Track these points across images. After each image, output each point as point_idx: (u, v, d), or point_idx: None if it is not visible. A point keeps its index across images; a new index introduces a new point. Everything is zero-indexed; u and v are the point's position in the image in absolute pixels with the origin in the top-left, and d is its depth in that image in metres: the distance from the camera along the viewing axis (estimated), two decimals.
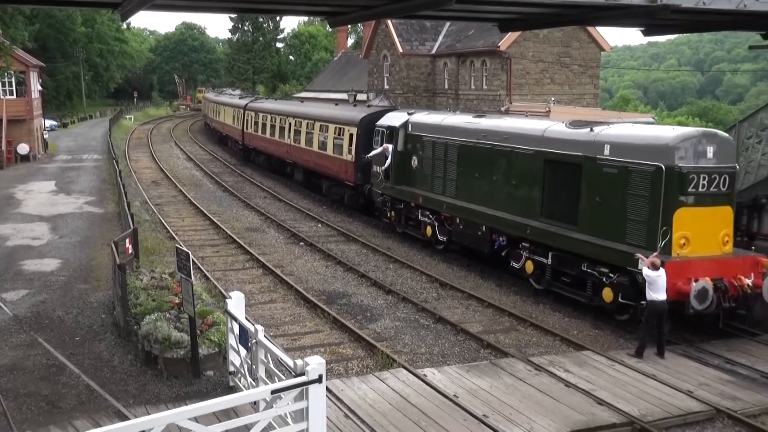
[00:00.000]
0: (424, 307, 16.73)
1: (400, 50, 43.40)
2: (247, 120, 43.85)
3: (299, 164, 34.35)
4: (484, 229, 19.13)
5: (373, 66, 48.05)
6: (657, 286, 13.06)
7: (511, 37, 36.58)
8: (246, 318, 11.32)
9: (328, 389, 10.35)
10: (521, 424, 10.51)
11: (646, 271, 13.12)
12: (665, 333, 13.64)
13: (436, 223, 21.32)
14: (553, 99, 35.95)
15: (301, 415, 8.61)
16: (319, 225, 26.73)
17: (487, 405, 11.15)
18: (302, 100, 44.23)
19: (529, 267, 17.44)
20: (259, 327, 10.27)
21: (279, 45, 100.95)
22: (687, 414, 11.17)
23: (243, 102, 47.22)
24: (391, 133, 23.68)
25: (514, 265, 17.92)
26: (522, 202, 17.85)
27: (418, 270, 20.10)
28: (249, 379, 10.56)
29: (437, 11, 12.75)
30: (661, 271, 13.05)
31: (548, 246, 16.77)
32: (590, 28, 37.79)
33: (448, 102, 42.31)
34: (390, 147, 23.42)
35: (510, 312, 16.51)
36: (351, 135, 27.32)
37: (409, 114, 23.72)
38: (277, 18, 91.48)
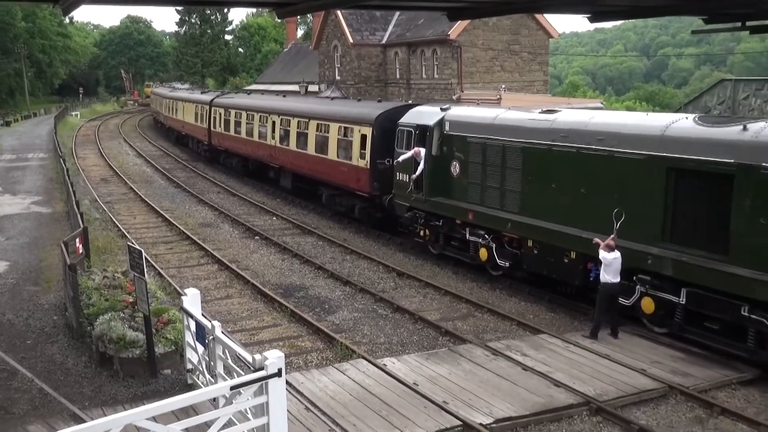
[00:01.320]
0: (382, 297, 16.79)
1: (351, 40, 43.33)
2: (215, 118, 39.21)
3: (287, 169, 29.78)
4: (573, 255, 15.05)
5: (324, 57, 47.86)
6: (612, 268, 13.33)
7: (460, 25, 36.82)
8: (202, 314, 11.21)
9: (288, 383, 10.32)
10: (481, 409, 10.65)
11: (603, 254, 13.38)
12: (616, 313, 13.94)
13: (494, 245, 17.16)
14: (503, 86, 36.34)
15: (262, 410, 8.59)
16: (274, 218, 26.57)
17: (446, 391, 11.25)
18: (284, 94, 39.47)
19: (648, 306, 13.67)
20: (216, 323, 10.19)
21: (228, 37, 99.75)
22: (641, 392, 11.44)
23: (208, 97, 42.28)
24: (422, 133, 19.41)
25: (623, 302, 13.94)
26: (633, 223, 13.74)
27: (375, 260, 20.16)
28: (207, 376, 10.47)
29: (387, 1, 12.73)
30: (616, 253, 13.32)
31: (679, 280, 13.11)
32: (538, 16, 38.26)
33: (400, 92, 42.39)
34: (422, 151, 19.20)
35: (467, 299, 16.68)
36: (364, 136, 22.79)
37: (443, 110, 19.39)
38: (225, 10, 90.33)
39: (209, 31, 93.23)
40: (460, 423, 10.19)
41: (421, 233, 19.86)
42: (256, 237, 23.35)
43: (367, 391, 11.20)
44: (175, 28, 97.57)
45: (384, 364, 12.29)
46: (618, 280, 13.47)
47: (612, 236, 13.64)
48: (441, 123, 18.91)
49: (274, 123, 30.51)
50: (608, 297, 13.60)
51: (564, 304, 16.14)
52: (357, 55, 43.19)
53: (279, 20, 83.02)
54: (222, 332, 10.15)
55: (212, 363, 10.21)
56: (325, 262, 19.98)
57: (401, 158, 20.00)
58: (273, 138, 30.52)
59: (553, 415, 10.69)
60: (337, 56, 45.70)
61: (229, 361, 9.82)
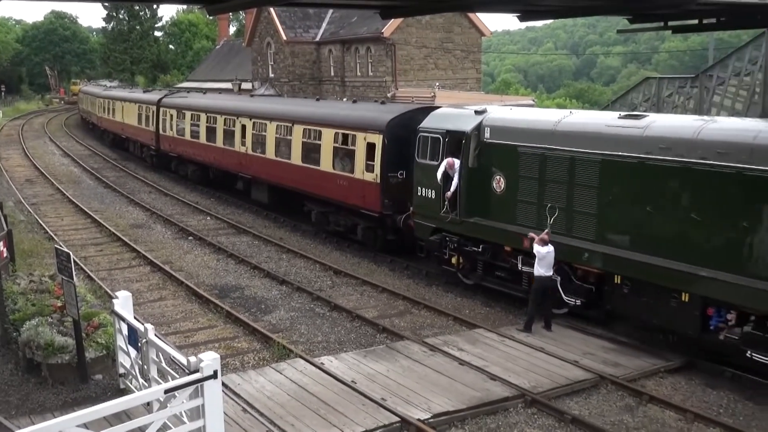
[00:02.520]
0: (319, 295, 16.74)
1: (284, 38, 43.03)
2: (165, 120, 35.05)
3: (262, 180, 26.04)
4: (686, 298, 12.25)
5: (257, 54, 47.41)
6: (545, 262, 13.65)
7: (394, 23, 36.98)
8: (135, 317, 10.99)
9: (224, 384, 10.21)
10: (418, 405, 10.74)
11: (537, 248, 13.67)
12: (551, 307, 14.26)
13: (559, 278, 14.24)
14: (437, 84, 36.68)
15: (198, 413, 8.47)
16: (209, 218, 26.18)
17: (385, 388, 11.31)
18: (251, 93, 36.27)
19: None
20: (149, 326, 9.99)
21: (158, 34, 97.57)
22: (574, 383, 11.74)
23: (154, 96, 38.14)
24: (453, 141, 16.31)
25: (759, 357, 11.29)
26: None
27: (311, 259, 20.07)
28: (141, 380, 10.26)
29: None
30: (550, 247, 13.63)
31: None
32: (471, 14, 38.73)
33: (334, 89, 42.35)
34: (456, 162, 16.19)
35: (404, 295, 16.78)
36: (371, 145, 19.26)
37: (478, 113, 16.21)
38: (155, 6, 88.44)
39: (138, 27, 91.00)
40: (399, 419, 10.26)
41: (452, 260, 16.64)
42: (190, 237, 22.96)
43: (305, 391, 11.16)
44: (103, 24, 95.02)
45: (322, 363, 12.27)
46: (551, 273, 13.78)
47: (546, 231, 13.93)
48: (479, 129, 15.81)
49: (244, 127, 26.68)
50: (541, 290, 13.90)
51: (499, 298, 16.41)
52: (291, 52, 42.92)
53: (210, 17, 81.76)
54: (155, 335, 9.96)
55: (146, 367, 10.01)
56: (260, 262, 19.79)
57: (439, 173, 16.41)
58: (243, 144, 26.66)
59: (489, 408, 10.87)
60: (270, 53, 45.32)
61: (163, 364, 9.64)
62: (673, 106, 21.52)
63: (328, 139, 21.25)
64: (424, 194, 17.17)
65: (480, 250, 15.88)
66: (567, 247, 13.92)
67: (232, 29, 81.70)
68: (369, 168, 19.23)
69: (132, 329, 10.18)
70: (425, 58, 39.00)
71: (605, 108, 24.87)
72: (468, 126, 15.99)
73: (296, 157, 22.97)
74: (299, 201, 23.53)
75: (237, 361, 13.11)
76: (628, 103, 23.18)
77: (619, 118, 13.76)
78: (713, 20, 13.40)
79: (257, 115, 25.98)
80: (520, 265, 15.02)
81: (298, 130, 22.93)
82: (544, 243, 13.66)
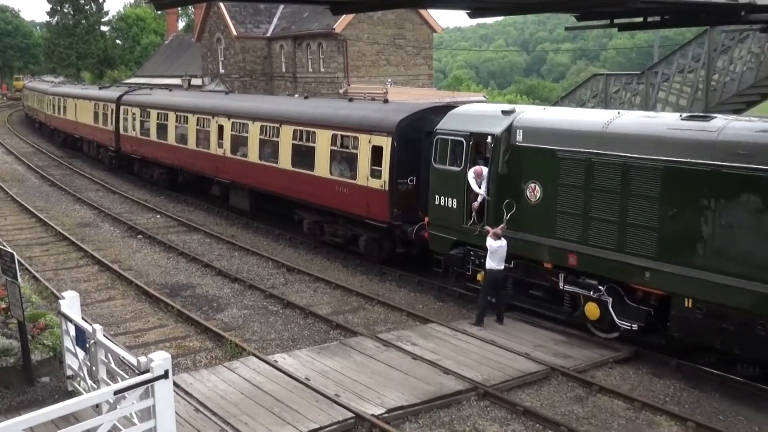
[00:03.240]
0: (272, 293, 16.65)
1: (234, 33, 42.61)
2: (126, 119, 32.64)
3: (242, 185, 24.08)
4: None
5: (207, 50, 46.85)
6: (497, 255, 13.82)
7: (345, 19, 36.93)
8: (82, 318, 10.78)
9: (175, 384, 10.09)
10: (372, 400, 10.78)
11: (489, 242, 13.82)
12: (503, 300, 14.44)
13: (610, 299, 12.94)
14: (389, 80, 36.77)
15: (149, 414, 8.36)
16: (158, 216, 25.79)
17: (338, 385, 11.32)
18: (226, 91, 33.77)
19: None
20: (98, 326, 9.81)
21: (104, 28, 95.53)
22: (525, 375, 11.92)
23: (113, 93, 35.39)
24: (478, 144, 14.93)
25: None
26: None
27: (264, 256, 19.95)
28: (89, 381, 10.07)
29: None
30: (502, 241, 13.80)
31: None
32: (422, 11, 38.91)
33: (286, 85, 42.12)
34: (484, 170, 14.76)
35: (357, 291, 16.80)
36: (377, 149, 17.50)
37: (506, 113, 14.65)
38: (100, 0, 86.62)
39: (84, 21, 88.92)
40: (353, 415, 10.28)
41: (478, 277, 14.93)
42: (139, 236, 22.60)
43: (259, 389, 11.10)
44: (47, 18, 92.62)
45: (275, 361, 12.22)
46: (503, 267, 13.95)
47: (501, 225, 14.10)
48: (510, 131, 14.22)
49: (221, 127, 24.59)
50: (493, 283, 14.07)
51: (452, 293, 16.55)
52: (241, 48, 42.52)
53: (158, 12, 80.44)
54: (104, 335, 9.79)
55: (94, 368, 9.83)
56: (212, 260, 19.59)
57: (471, 181, 14.76)
58: (221, 146, 24.60)
59: (442, 402, 10.97)
60: (220, 49, 44.81)
61: (113, 365, 9.48)
62: (619, 102, 21.95)
63: (323, 141, 19.43)
64: (442, 203, 15.46)
65: (511, 266, 14.25)
66: (620, 265, 12.50)
67: (181, 24, 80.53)
68: (375, 174, 17.54)
69: (80, 330, 9.99)
70: (377, 55, 39.05)
71: (555, 104, 25.21)
72: (497, 128, 14.35)
73: (285, 161, 21.16)
74: (288, 208, 21.79)
75: (189, 361, 12.96)
76: (576, 99, 23.57)
77: (682, 119, 12.34)
78: (657, 18, 13.66)
79: (237, 115, 23.97)
80: (561, 284, 13.55)
81: (287, 131, 21.05)
82: (497, 237, 13.83)
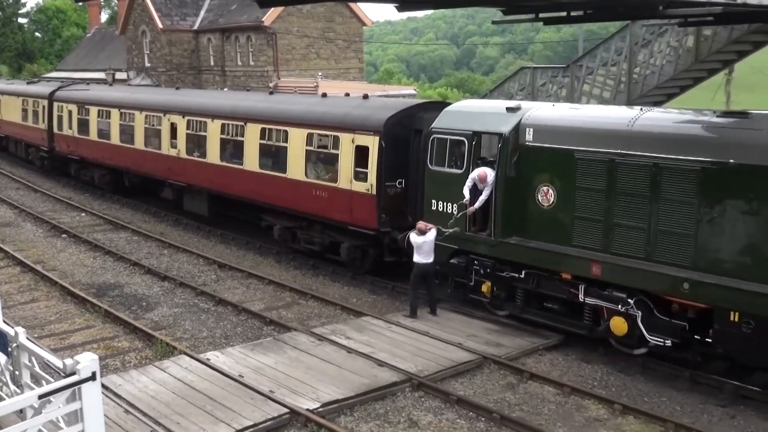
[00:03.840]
0: (203, 290, 16.42)
1: (160, 26, 41.72)
2: (61, 116, 30.11)
3: (199, 188, 22.22)
4: None
5: (132, 43, 45.73)
6: (422, 250, 14.00)
7: (274, 12, 36.62)
8: (4, 321, 10.41)
9: (104, 386, 9.85)
10: (307, 395, 10.77)
11: (413, 237, 13.96)
12: (434, 292, 14.61)
13: (639, 313, 11.78)
14: (320, 74, 36.65)
15: (76, 417, 8.14)
16: (83, 214, 25.06)
17: (273, 381, 11.27)
18: (177, 86, 30.85)
19: None
20: (20, 329, 9.48)
21: (22, 20, 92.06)
22: (458, 364, 12.11)
23: (44, 89, 32.77)
24: (481, 144, 13.87)
25: None
26: None
27: (194, 253, 19.64)
28: (12, 387, 9.74)
29: None
30: (426, 236, 13.97)
31: None
32: (351, 4, 38.84)
33: (215, 79, 41.52)
34: (490, 174, 13.47)
35: (291, 287, 16.72)
36: (362, 149, 16.18)
37: (511, 110, 13.57)
38: None
39: (0, 13, 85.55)
40: (288, 410, 10.26)
41: (483, 288, 13.91)
42: (64, 235, 21.92)
43: (191, 388, 10.95)
44: None
45: (207, 359, 12.08)
46: (430, 260, 14.09)
47: (421, 221, 14.23)
48: (519, 130, 13.12)
49: (174, 126, 22.79)
50: (419, 277, 14.24)
51: (385, 286, 16.64)
52: (168, 41, 41.64)
53: (79, 3, 77.95)
54: (27, 338, 9.47)
55: (17, 372, 9.50)
56: (141, 258, 19.17)
57: (467, 186, 13.66)
58: (174, 146, 22.76)
59: (377, 394, 11.04)
60: (146, 42, 43.78)
61: (37, 368, 9.19)
62: (546, 95, 22.45)
63: (297, 141, 17.88)
64: (441, 209, 14.25)
65: (522, 276, 13.23)
66: (653, 275, 11.43)
67: (105, 16, 78.24)
68: (360, 176, 16.18)
69: (1, 334, 9.65)
70: (307, 48, 38.85)
71: (483, 97, 25.60)
72: (504, 126, 13.25)
73: (251, 163, 19.50)
74: (254, 213, 20.41)
75: (118, 362, 12.68)
76: (505, 92, 23.99)
77: (718, 116, 11.48)
78: (580, 13, 14.04)
79: (194, 112, 22.08)
80: (581, 296, 12.42)
81: (253, 129, 19.43)
82: (420, 232, 14.01)
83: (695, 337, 11.30)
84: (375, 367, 11.87)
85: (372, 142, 15.88)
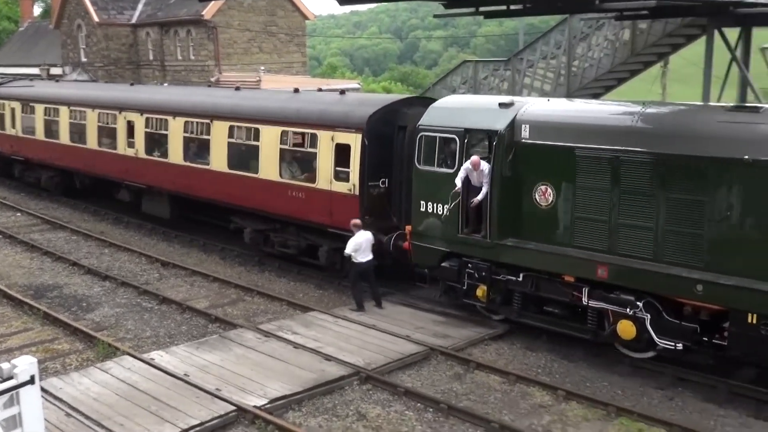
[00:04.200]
0: (146, 289, 16.13)
1: (96, 19, 40.72)
2: (3, 115, 28.60)
3: (160, 190, 21.14)
4: None
5: (67, 37, 44.52)
6: (361, 248, 14.12)
7: (215, 5, 36.14)
8: None
9: (43, 389, 9.62)
10: (254, 391, 10.71)
11: (353, 238, 14.10)
12: (377, 287, 14.64)
13: (648, 315, 11.35)
14: (262, 68, 36.33)
15: (14, 423, 7.92)
16: (19, 214, 24.33)
17: (219, 379, 11.16)
18: (131, 82, 29.71)
19: None
20: None
21: None
22: (406, 356, 12.18)
23: None
24: (474, 142, 13.32)
25: None
26: None
27: (136, 252, 19.27)
28: None
29: None
30: (362, 234, 14.06)
31: None
32: None
33: (154, 74, 40.76)
34: (484, 164, 12.82)
35: (236, 283, 16.57)
36: (343, 147, 15.34)
37: (504, 105, 12.97)
38: None
39: None
40: (235, 408, 10.18)
41: (477, 292, 13.27)
42: None
43: (135, 388, 10.77)
44: None
45: (151, 359, 11.89)
46: (369, 258, 14.17)
47: (355, 218, 14.28)
48: (514, 127, 12.49)
49: (131, 124, 21.61)
50: (357, 273, 14.33)
51: (331, 281, 16.62)
52: (104, 35, 40.66)
53: None
54: None
55: None
56: (80, 258, 18.72)
57: (459, 179, 12.97)
58: (131, 146, 21.56)
59: (325, 389, 11.05)
60: (81, 36, 42.66)
61: None
62: (489, 88, 22.70)
63: (270, 139, 16.92)
64: (430, 210, 13.54)
65: (520, 280, 12.70)
66: (664, 278, 10.97)
67: (38, 10, 75.93)
68: (341, 176, 15.34)
69: None
70: (249, 42, 38.41)
71: (426, 92, 25.75)
72: (499, 123, 12.60)
73: (219, 163, 18.46)
74: (221, 215, 19.45)
75: (58, 364, 12.36)
76: (447, 85, 24.16)
77: (728, 111, 11.07)
78: (520, 6, 14.26)
79: (153, 109, 20.89)
80: (585, 299, 11.90)
81: (220, 127, 18.33)
82: (357, 228, 14.09)
83: (705, 339, 10.97)
84: (323, 362, 11.87)
85: (354, 140, 15.04)
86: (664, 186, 10.97)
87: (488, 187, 12.69)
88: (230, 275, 17.33)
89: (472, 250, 13.14)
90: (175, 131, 19.93)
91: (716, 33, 18.20)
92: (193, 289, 16.44)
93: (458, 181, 12.94)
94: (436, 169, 13.53)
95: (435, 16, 16.46)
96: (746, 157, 10.14)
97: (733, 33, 18.70)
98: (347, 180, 15.24)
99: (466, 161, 12.92)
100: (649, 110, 11.70)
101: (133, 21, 41.29)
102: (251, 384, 10.98)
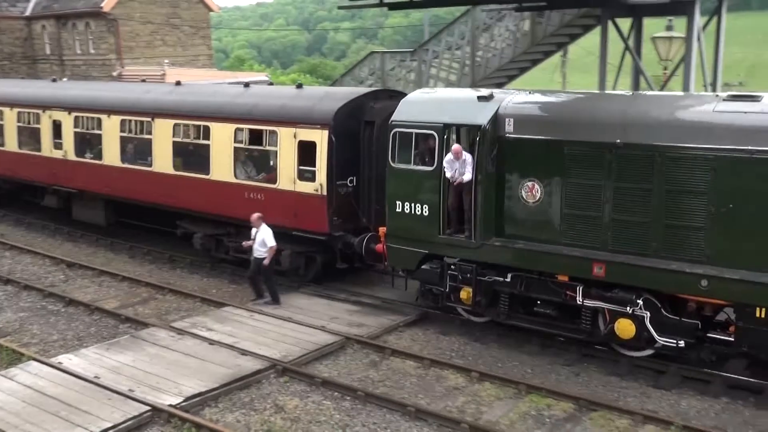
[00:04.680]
0: (51, 291, 15.54)
1: None
2: None
3: (95, 194, 19.44)
4: None
5: None
6: (257, 243, 14.11)
7: None
8: None
9: None
10: (169, 390, 10.51)
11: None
12: (273, 282, 14.52)
13: (647, 313, 10.93)
14: (167, 61, 35.43)
15: None
16: None
17: (131, 379, 10.90)
18: (53, 78, 25.74)
19: None
20: None
21: None
22: (322, 347, 12.22)
23: None
24: (452, 138, 12.44)
25: None
26: None
27: (39, 254, 18.53)
28: None
29: None
30: (259, 230, 14.03)
31: None
32: None
33: (52, 69, 39.12)
34: (466, 154, 12.05)
35: (147, 282, 16.17)
36: (307, 144, 14.39)
37: (483, 98, 12.22)
38: None
39: None
40: (149, 408, 9.98)
41: (462, 295, 12.49)
42: None
43: (43, 394, 10.39)
44: None
45: (59, 362, 11.50)
46: (257, 255, 14.10)
47: (258, 215, 14.11)
48: (497, 121, 11.71)
49: (57, 123, 19.82)
50: (257, 270, 14.32)
51: (243, 275, 16.42)
52: None
53: None
54: None
55: None
56: None
57: (449, 172, 12.18)
58: (59, 147, 19.77)
59: (242, 383, 10.96)
60: None
61: None
62: (396, 79, 22.91)
63: (222, 137, 15.68)
64: (407, 211, 12.71)
65: (508, 281, 12.04)
66: (666, 274, 10.56)
67: None
68: (305, 175, 14.38)
69: None
70: (152, 35, 37.35)
71: (335, 83, 25.73)
72: (481, 118, 11.80)
73: (164, 164, 17.03)
74: (166, 220, 17.94)
75: None
76: (356, 76, 24.24)
77: (725, 100, 10.50)
78: None
79: (83, 107, 19.14)
80: (580, 298, 11.39)
81: (164, 126, 16.92)
82: (260, 221, 14.04)
83: (708, 335, 10.78)
84: (238, 357, 11.76)
85: (319, 137, 14.04)
86: (661, 179, 10.52)
87: (472, 174, 11.92)
88: (140, 273, 16.90)
89: (455, 252, 12.43)
90: (111, 131, 18.31)
91: (610, 23, 18.97)
92: (101, 290, 15.95)
93: (449, 172, 12.15)
94: (412, 167, 12.66)
95: (339, 7, 16.47)
96: (745, 148, 9.88)
97: (625, 23, 19.53)
98: (313, 179, 14.29)
99: (446, 156, 12.19)
100: (641, 100, 11.49)
101: (27, 14, 39.47)
102: (165, 383, 10.77)
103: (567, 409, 10.28)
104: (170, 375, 11.07)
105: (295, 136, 14.46)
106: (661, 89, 19.23)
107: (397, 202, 12.85)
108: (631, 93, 11.75)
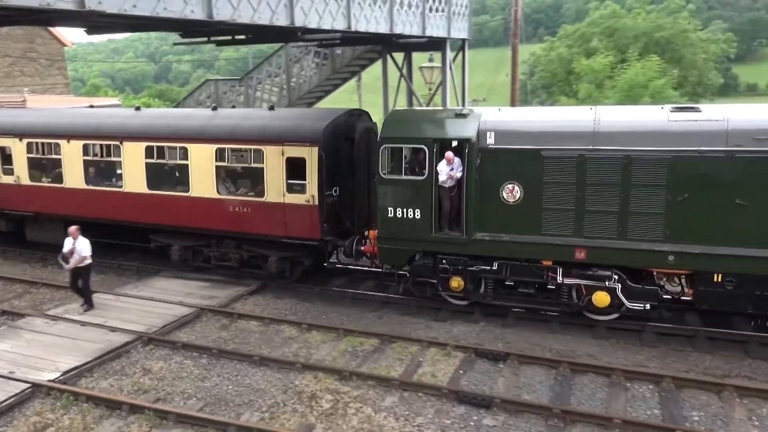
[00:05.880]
0: None
1: None
2: None
3: (54, 216, 15.76)
4: None
5: None
6: (76, 253, 12.01)
7: None
8: None
9: None
10: (47, 369, 9.58)
11: (69, 244, 12.00)
12: (89, 288, 12.47)
13: (619, 285, 10.72)
14: (26, 89, 31.68)
15: None
16: None
17: (11, 363, 9.78)
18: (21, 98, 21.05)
19: None
20: None
21: None
22: (181, 317, 11.71)
23: None
24: (441, 151, 11.24)
25: None
26: None
27: None
28: None
29: None
30: (78, 241, 11.91)
31: None
32: (51, 28, 34.01)
33: None
34: (458, 161, 11.20)
35: (21, 279, 14.47)
36: (297, 161, 12.74)
37: (463, 116, 11.54)
38: None
39: None
40: (29, 384, 9.04)
41: (453, 284, 11.64)
42: None
43: None
44: None
45: None
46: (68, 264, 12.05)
47: (76, 227, 12.07)
48: (481, 136, 11.02)
49: (7, 150, 16.04)
50: (76, 278, 12.30)
51: (110, 266, 15.25)
52: None
53: None
54: None
55: None
56: None
57: (443, 175, 11.16)
58: (9, 173, 16.09)
59: (113, 355, 10.24)
60: None
61: None
62: (228, 101, 22.15)
63: (202, 158, 13.53)
64: (400, 215, 11.63)
65: (495, 268, 11.36)
66: (642, 252, 10.30)
67: None
68: (295, 188, 12.81)
69: None
70: (10, 66, 33.12)
71: (178, 105, 24.38)
72: (469, 131, 11.12)
73: (136, 184, 14.35)
74: (137, 235, 15.20)
75: None
76: (195, 99, 23.16)
77: (672, 111, 10.48)
78: (243, 36, 14.09)
79: (36, 133, 15.61)
80: (560, 278, 10.95)
81: (134, 149, 14.22)
82: (78, 233, 12.01)
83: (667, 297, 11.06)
84: (108, 333, 10.95)
85: (309, 153, 12.56)
86: (627, 178, 10.29)
87: (463, 173, 11.14)
88: (14, 273, 15.07)
89: (448, 247, 11.57)
90: (72, 155, 15.10)
91: (389, 57, 19.67)
92: None
93: (443, 176, 11.22)
94: (406, 177, 11.55)
95: (174, 43, 15.55)
96: (694, 149, 9.92)
97: (400, 57, 20.36)
98: (303, 192, 12.79)
99: (439, 164, 11.25)
100: (604, 115, 10.91)
101: None
102: (43, 362, 9.80)
103: (374, 344, 10.67)
104: (47, 355, 10.08)
105: (282, 153, 12.87)
106: (427, 104, 20.30)
107: (389, 209, 11.74)
108: (590, 108, 11.50)
